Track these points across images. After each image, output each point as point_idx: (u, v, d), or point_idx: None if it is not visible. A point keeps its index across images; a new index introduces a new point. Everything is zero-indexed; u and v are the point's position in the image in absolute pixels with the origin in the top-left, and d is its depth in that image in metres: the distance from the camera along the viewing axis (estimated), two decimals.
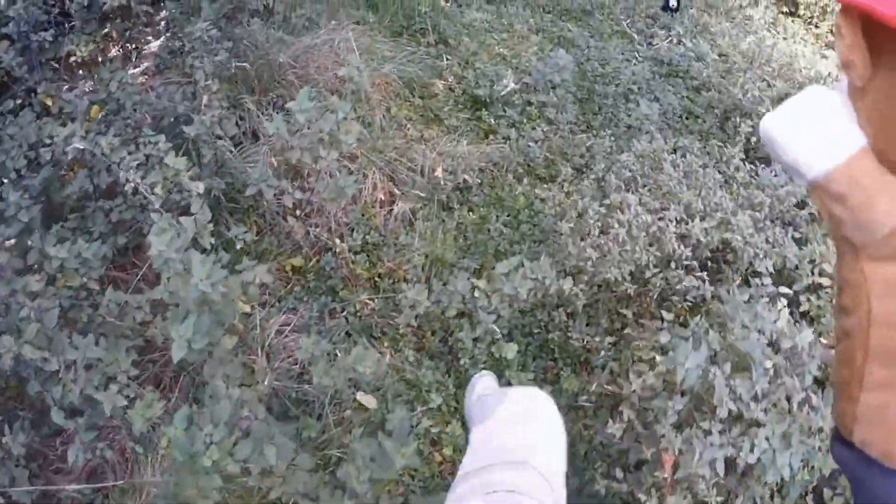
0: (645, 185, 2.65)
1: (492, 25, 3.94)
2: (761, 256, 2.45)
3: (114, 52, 2.92)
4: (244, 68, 2.95)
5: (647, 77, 3.83)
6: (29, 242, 2.00)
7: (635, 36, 4.19)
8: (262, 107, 3.02)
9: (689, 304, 2.49)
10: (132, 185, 2.07)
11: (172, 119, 2.69)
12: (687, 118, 3.64)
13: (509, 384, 2.45)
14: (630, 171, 2.71)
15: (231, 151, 2.62)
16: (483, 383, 2.04)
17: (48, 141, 2.07)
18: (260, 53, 3.08)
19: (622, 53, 4.02)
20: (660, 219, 2.54)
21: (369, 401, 2.46)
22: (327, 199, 2.38)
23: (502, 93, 3.26)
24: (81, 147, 1.96)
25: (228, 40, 2.85)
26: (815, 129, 0.72)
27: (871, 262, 0.71)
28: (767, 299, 2.23)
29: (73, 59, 2.58)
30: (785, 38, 4.74)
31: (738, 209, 2.57)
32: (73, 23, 2.60)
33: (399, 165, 2.94)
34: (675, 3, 4.38)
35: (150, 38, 3.00)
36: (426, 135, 3.20)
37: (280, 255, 2.80)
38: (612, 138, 3.32)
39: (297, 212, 2.64)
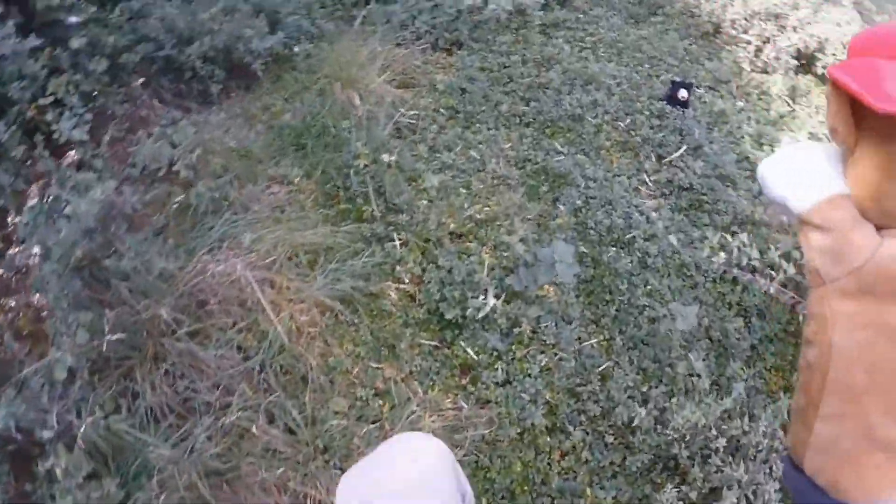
0: None
1: (457, 168, 2.97)
2: None
3: None
4: (120, 341, 2.02)
5: (667, 221, 2.92)
6: None
7: (640, 149, 3.25)
8: (154, 386, 2.11)
9: None
10: None
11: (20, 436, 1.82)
12: (727, 306, 2.72)
13: None
14: None
15: None
16: None
17: None
18: (137, 307, 2.14)
19: (629, 179, 3.09)
20: None
21: None
22: None
23: (480, 315, 2.34)
24: None
25: (87, 309, 1.94)
26: (805, 172, 0.80)
27: (837, 297, 0.75)
28: None
29: None
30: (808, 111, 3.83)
31: None
32: None
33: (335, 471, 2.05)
34: (685, 94, 3.43)
35: None
36: (380, 386, 2.29)
37: None
38: (634, 352, 2.44)
39: None
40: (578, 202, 2.92)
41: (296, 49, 3.47)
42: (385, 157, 2.70)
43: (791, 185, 0.81)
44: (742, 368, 2.54)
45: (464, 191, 2.88)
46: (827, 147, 0.82)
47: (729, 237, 2.74)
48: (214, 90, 3.14)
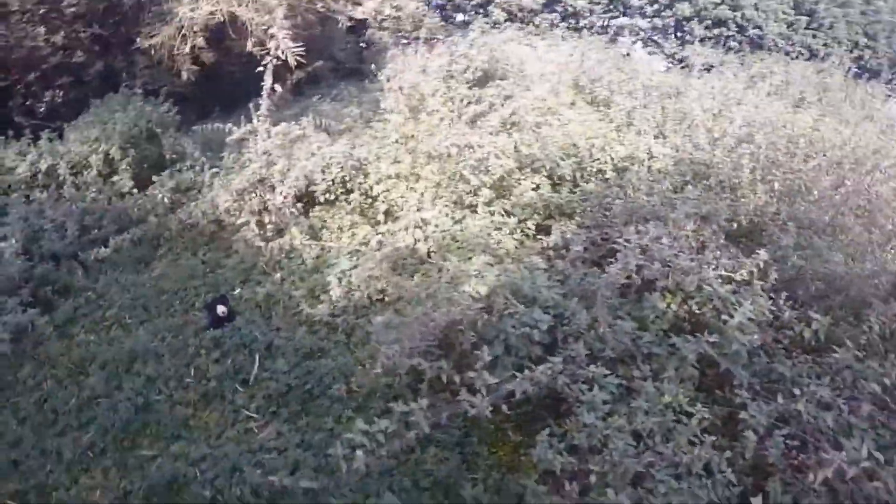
0: None
1: None
2: None
3: None
4: None
5: (297, 437, 2.85)
6: None
7: (222, 390, 3.14)
8: None
9: None
10: None
11: None
12: None
13: None
14: None
15: None
16: None
17: None
18: None
19: (233, 427, 2.96)
20: None
21: None
22: None
23: None
24: None
25: None
26: None
27: None
28: None
29: None
30: None
31: None
32: None
33: None
34: (224, 309, 3.40)
35: None
36: None
37: None
38: None
39: None
40: (207, 493, 2.70)
41: None
42: None
43: None
44: None
45: None
46: None
47: None
48: None
